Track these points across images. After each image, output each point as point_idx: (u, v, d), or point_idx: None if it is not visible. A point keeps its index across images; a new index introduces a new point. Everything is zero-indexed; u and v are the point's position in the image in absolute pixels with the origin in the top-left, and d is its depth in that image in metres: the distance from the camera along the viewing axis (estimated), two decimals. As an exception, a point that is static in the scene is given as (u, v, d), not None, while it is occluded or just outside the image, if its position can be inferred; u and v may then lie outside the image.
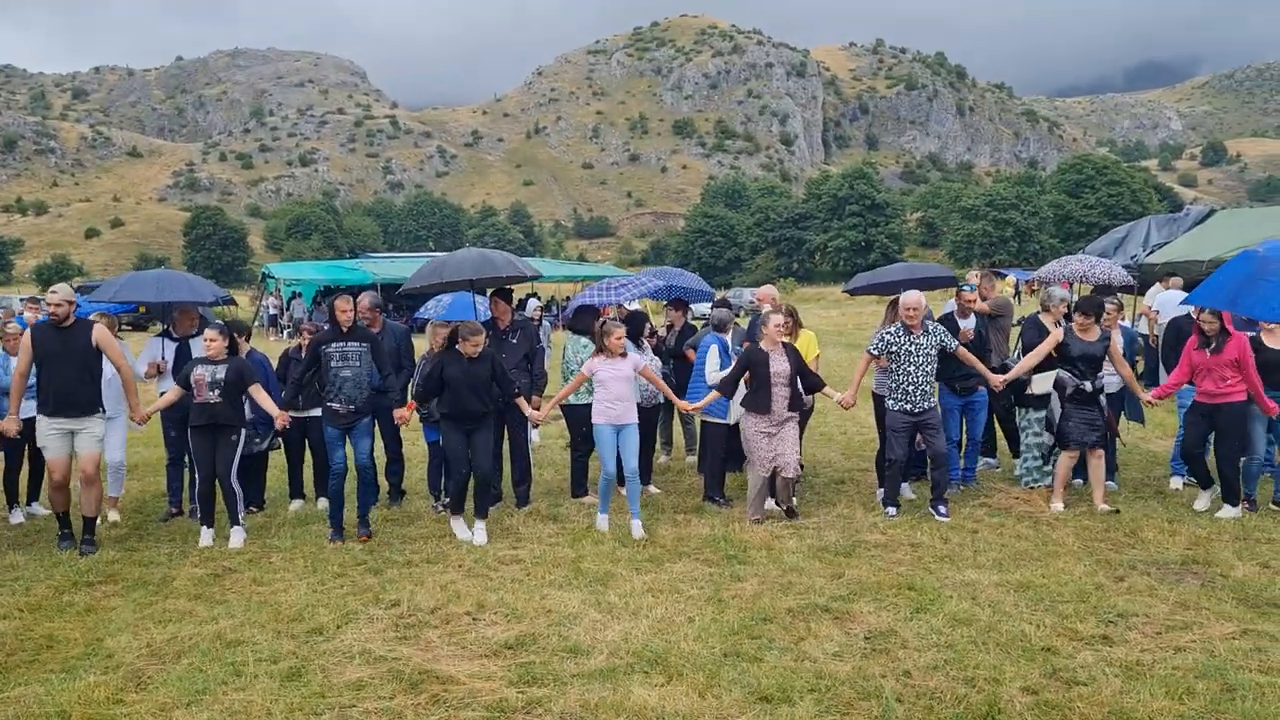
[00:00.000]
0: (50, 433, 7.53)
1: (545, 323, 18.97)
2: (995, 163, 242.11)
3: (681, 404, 8.61)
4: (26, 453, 8.61)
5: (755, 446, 7.98)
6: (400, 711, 4.58)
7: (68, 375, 7.46)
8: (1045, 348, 8.43)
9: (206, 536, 7.72)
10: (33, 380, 7.78)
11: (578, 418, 8.81)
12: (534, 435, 11.10)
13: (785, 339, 8.13)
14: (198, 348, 8.42)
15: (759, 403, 7.95)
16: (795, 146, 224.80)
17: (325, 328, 7.92)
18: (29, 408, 7.95)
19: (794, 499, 8.21)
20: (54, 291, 7.56)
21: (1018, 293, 46.88)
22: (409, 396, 8.56)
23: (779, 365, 7.93)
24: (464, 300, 10.44)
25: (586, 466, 9.15)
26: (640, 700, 4.58)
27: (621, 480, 8.04)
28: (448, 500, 8.22)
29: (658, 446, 10.23)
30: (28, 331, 7.63)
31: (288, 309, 39.68)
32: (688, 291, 11.08)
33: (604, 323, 8.02)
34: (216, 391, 7.52)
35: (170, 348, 8.80)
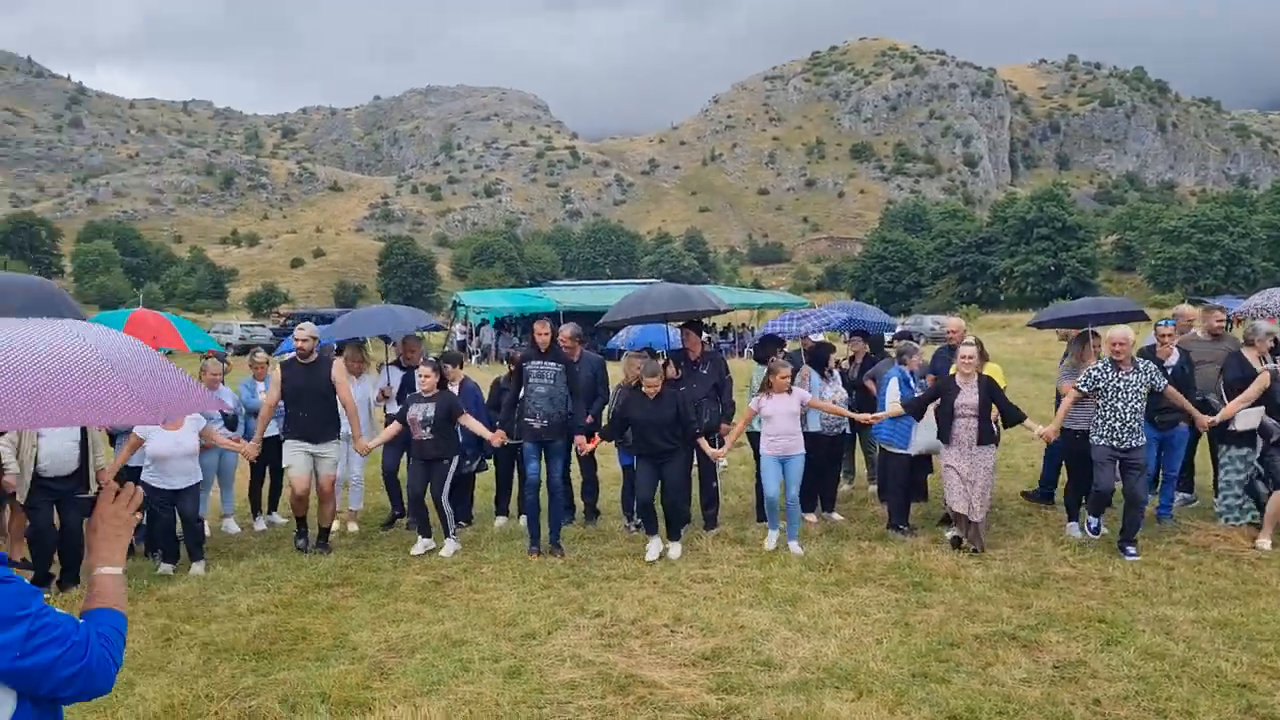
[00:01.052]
0: (295, 454, 8.51)
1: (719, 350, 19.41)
2: (1201, 181, 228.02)
3: (859, 416, 8.99)
4: (268, 468, 9.75)
5: (947, 478, 8.14)
6: (612, 710, 5.05)
7: (312, 406, 8.42)
8: (1252, 393, 8.22)
9: (420, 546, 8.48)
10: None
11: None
12: (722, 462, 11.49)
13: (973, 370, 8.22)
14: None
15: (943, 433, 8.12)
16: (979, 168, 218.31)
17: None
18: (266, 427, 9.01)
19: (981, 539, 8.24)
20: (301, 329, 8.52)
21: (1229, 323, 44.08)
22: (602, 424, 9.13)
23: (968, 397, 8.05)
24: (653, 330, 10.99)
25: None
26: (833, 712, 4.89)
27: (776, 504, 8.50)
28: (639, 521, 8.73)
29: (840, 475, 10.46)
30: (278, 367, 8.65)
31: (476, 335, 41.60)
32: (869, 324, 11.29)
33: (771, 361, 8.45)
34: (429, 429, 8.29)
35: (397, 375, 9.73)
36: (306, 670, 5.71)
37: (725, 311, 9.86)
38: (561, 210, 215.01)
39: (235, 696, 5.34)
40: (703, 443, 8.39)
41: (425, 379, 8.39)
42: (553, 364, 8.29)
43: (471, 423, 8.44)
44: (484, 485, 10.46)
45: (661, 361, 8.59)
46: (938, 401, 8.21)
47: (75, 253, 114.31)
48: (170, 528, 8.11)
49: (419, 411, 8.33)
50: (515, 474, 9.64)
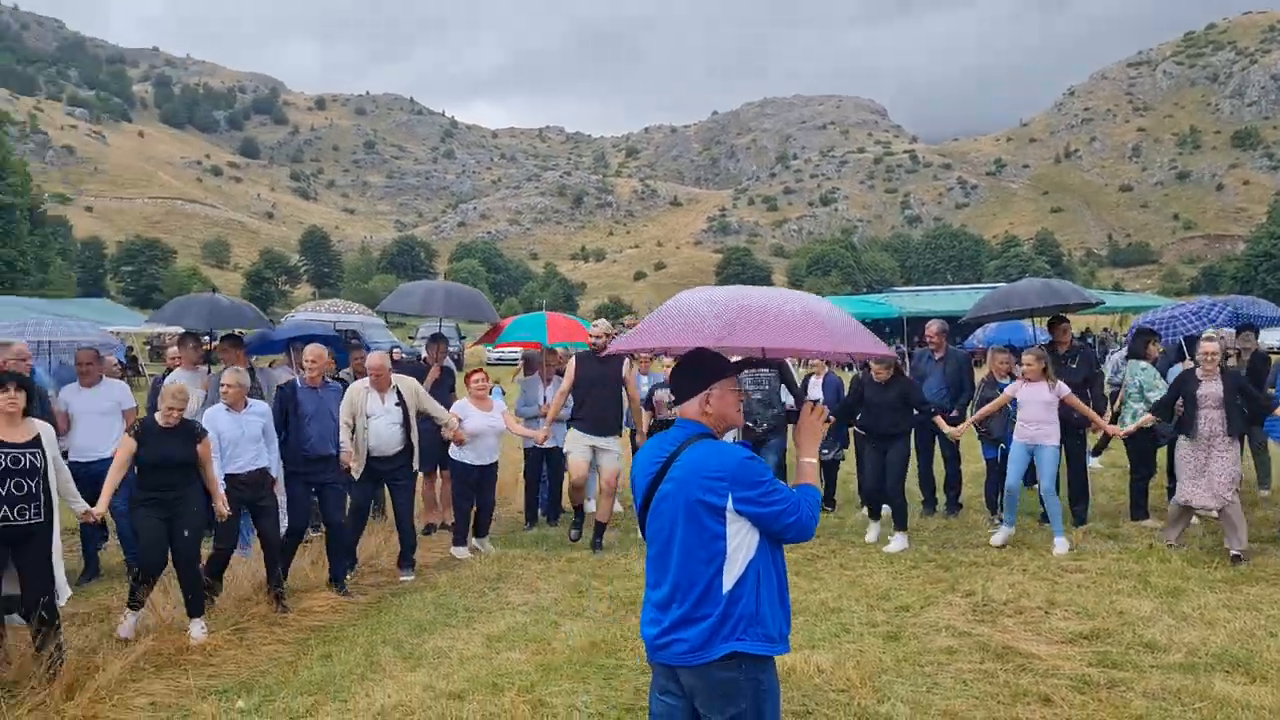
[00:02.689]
0: (577, 444, 8.65)
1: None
2: None
3: (1110, 429, 8.77)
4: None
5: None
6: (993, 673, 5.34)
7: (603, 399, 8.62)
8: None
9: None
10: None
11: (1137, 445, 8.96)
12: (1092, 461, 11.20)
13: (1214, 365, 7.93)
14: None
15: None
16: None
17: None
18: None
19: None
20: (597, 324, 9.03)
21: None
22: (967, 416, 9.28)
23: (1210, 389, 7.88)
24: (1011, 326, 10.94)
25: (1145, 490, 9.22)
26: (1223, 693, 4.90)
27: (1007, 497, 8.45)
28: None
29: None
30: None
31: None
32: (1258, 318, 10.58)
33: (1026, 351, 8.53)
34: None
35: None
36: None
37: (1096, 305, 9.68)
38: (900, 216, 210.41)
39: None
40: (939, 421, 8.77)
41: None
42: (765, 370, 8.79)
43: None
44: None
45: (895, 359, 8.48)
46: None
47: (448, 271, 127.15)
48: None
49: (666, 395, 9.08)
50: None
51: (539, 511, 9.93)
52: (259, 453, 7.07)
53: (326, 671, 5.74)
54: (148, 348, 39.64)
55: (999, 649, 5.71)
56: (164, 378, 9.04)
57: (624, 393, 8.81)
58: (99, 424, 7.88)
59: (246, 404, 7.09)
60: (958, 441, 9.33)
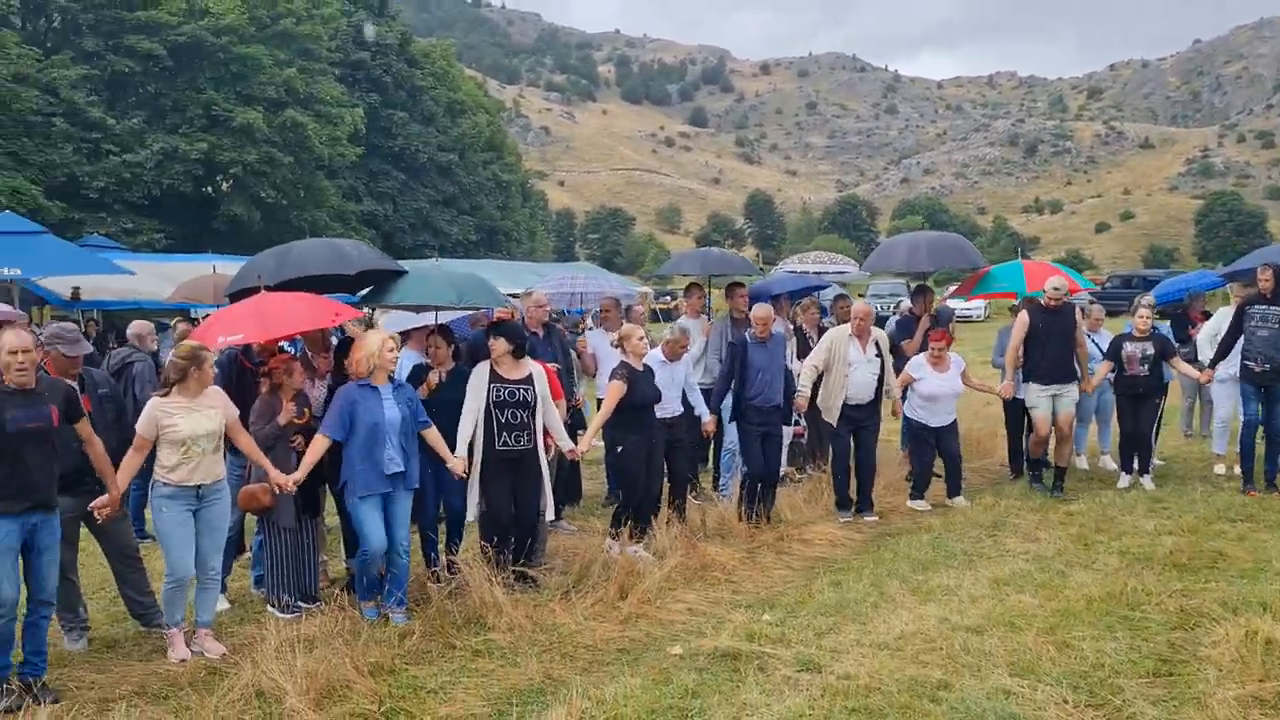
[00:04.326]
0: (1039, 397, 8.90)
1: None
2: None
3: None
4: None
5: None
6: None
7: (1057, 349, 8.82)
8: None
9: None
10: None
11: None
12: None
13: None
14: None
15: None
16: None
17: None
18: None
19: None
20: (1051, 280, 9.03)
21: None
22: None
23: None
24: None
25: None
26: None
27: None
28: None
29: None
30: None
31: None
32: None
33: None
34: (1145, 366, 8.80)
35: None
36: (1234, 585, 5.98)
37: None
38: None
39: (1170, 595, 5.82)
40: None
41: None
42: (1275, 308, 8.34)
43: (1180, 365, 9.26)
44: None
45: None
46: None
47: (890, 229, 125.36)
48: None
49: (1137, 350, 8.85)
50: None
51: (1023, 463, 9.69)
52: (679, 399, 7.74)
53: (839, 597, 6.08)
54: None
55: None
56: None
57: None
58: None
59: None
60: None
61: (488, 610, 5.80)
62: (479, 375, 6.45)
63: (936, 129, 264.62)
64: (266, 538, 6.31)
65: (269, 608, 6.29)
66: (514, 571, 6.28)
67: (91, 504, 5.31)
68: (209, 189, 35.98)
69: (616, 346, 7.53)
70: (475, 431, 6.39)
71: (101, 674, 5.28)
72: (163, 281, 18.10)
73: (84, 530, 5.75)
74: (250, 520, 6.79)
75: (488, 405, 6.38)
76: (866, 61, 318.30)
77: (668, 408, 7.51)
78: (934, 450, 8.64)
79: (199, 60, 33.82)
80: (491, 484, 6.42)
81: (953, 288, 10.91)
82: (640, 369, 7.14)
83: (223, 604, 6.42)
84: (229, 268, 10.88)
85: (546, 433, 6.71)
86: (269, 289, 6.28)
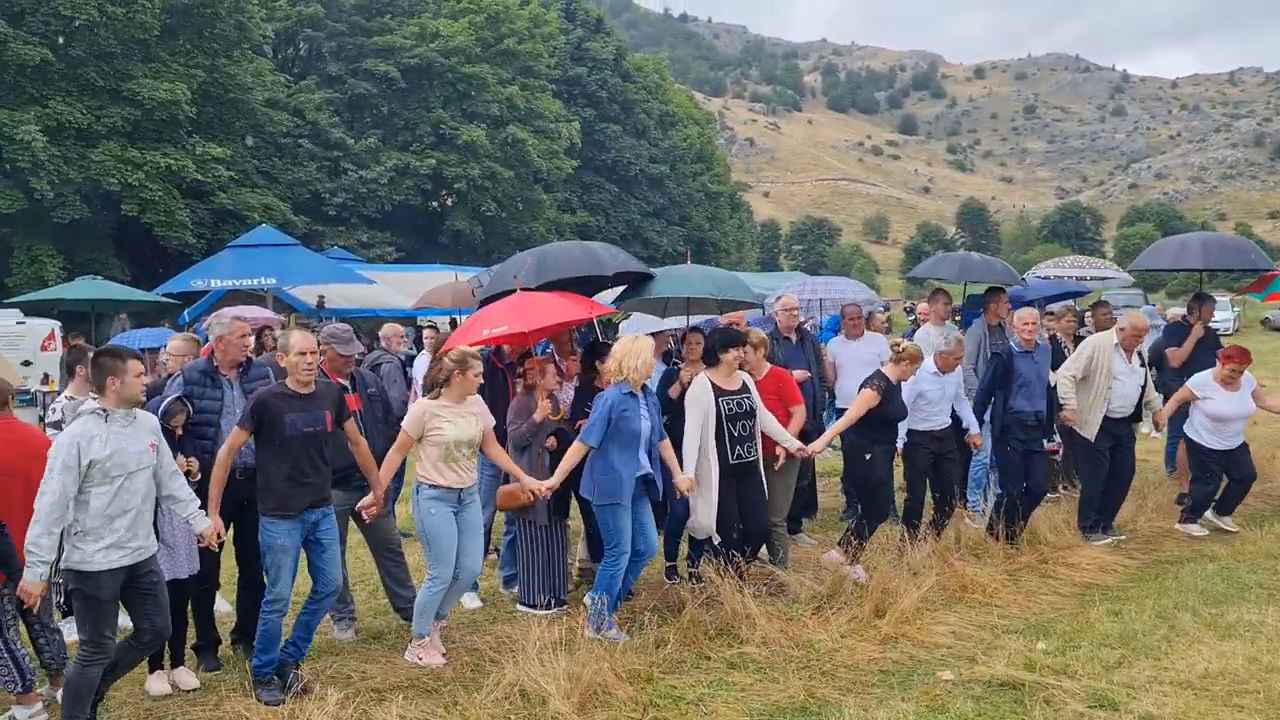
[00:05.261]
0: None
1: None
2: None
3: None
4: None
5: None
6: None
7: None
8: None
9: None
10: None
11: None
12: None
13: None
14: None
15: None
16: None
17: None
18: None
19: None
20: None
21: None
22: None
23: None
24: None
25: None
26: None
27: None
28: None
29: None
30: None
31: None
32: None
33: None
34: None
35: None
36: None
37: None
38: None
39: None
40: None
41: None
42: None
43: None
44: None
45: None
46: None
47: (1117, 237, 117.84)
48: None
49: None
50: None
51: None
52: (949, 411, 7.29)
53: (1122, 628, 5.57)
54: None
55: None
56: (912, 334, 9.56)
57: None
58: (863, 373, 8.54)
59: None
60: None
61: (740, 622, 5.63)
62: (702, 389, 6.24)
63: (1170, 130, 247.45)
64: (519, 536, 6.39)
65: (520, 606, 6.36)
66: (763, 579, 6.08)
67: (359, 504, 5.49)
68: (434, 204, 37.78)
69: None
70: (702, 445, 6.18)
71: (371, 664, 5.45)
72: (396, 291, 19.13)
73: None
74: (499, 520, 6.91)
75: (720, 419, 6.18)
76: (1091, 61, 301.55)
77: (936, 420, 7.14)
78: (1219, 475, 7.85)
79: (429, 81, 35.57)
80: (724, 496, 6.22)
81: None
82: (896, 384, 6.82)
83: (474, 602, 6.54)
84: (466, 277, 11.31)
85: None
86: (525, 290, 6.38)
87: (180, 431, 5.19)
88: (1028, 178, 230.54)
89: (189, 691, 5.14)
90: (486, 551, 7.21)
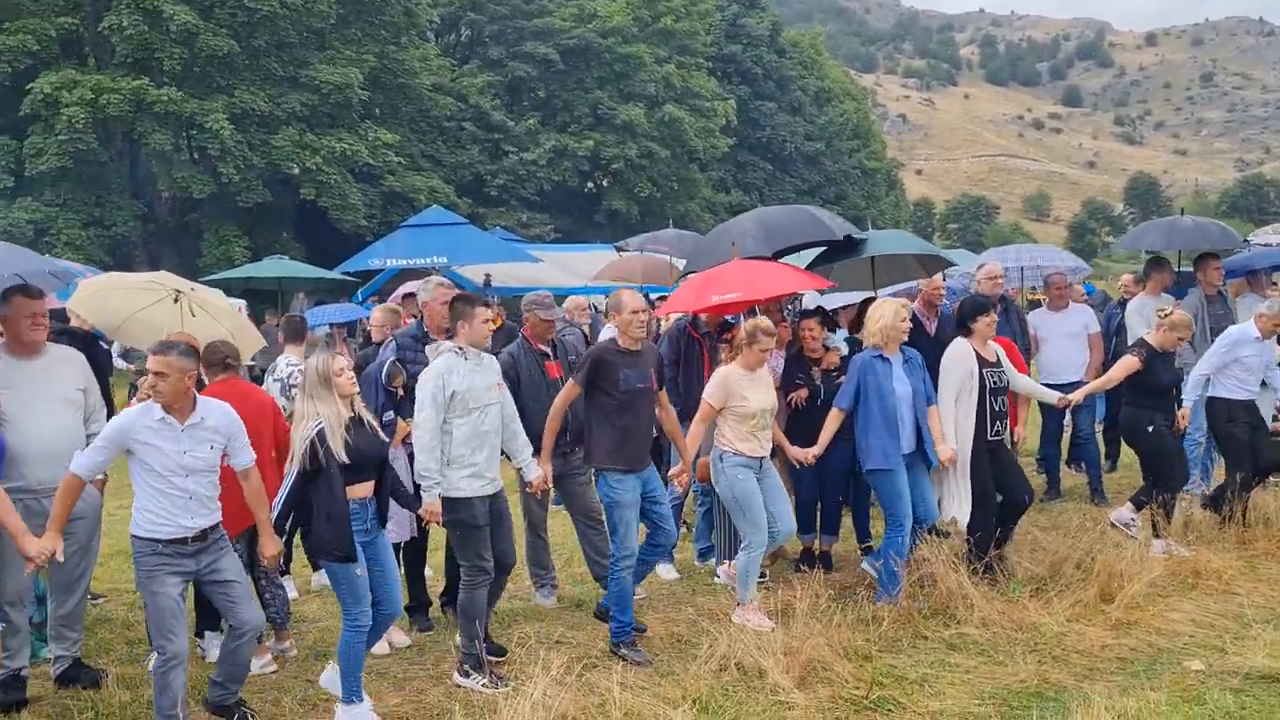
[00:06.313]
0: None
1: None
2: None
3: None
4: None
5: None
6: None
7: None
8: None
9: None
10: None
11: None
12: None
13: None
14: None
15: None
16: None
17: None
18: None
19: None
20: None
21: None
22: None
23: None
24: None
25: None
26: None
27: None
28: None
29: None
30: None
31: None
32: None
33: None
34: None
35: None
36: None
37: None
38: None
39: None
40: None
41: None
42: None
43: None
44: None
45: None
46: None
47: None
48: None
49: None
50: None
51: None
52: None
53: (1390, 623, 5.06)
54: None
55: None
56: (1119, 305, 9.01)
57: None
58: (1066, 346, 8.11)
59: None
60: None
61: (956, 602, 5.38)
62: (965, 354, 5.92)
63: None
64: (716, 509, 6.29)
65: (716, 578, 6.26)
66: (990, 560, 5.77)
67: (531, 479, 5.23)
68: (591, 185, 38.14)
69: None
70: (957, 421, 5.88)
71: (577, 630, 5.44)
72: (560, 270, 19.35)
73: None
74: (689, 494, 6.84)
75: (984, 392, 5.87)
76: (1276, 25, 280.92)
77: (1252, 389, 6.77)
78: None
79: (586, 61, 35.88)
80: (980, 473, 5.90)
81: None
82: (1160, 351, 6.44)
83: (671, 573, 6.48)
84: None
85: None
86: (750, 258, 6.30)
87: (401, 393, 5.29)
88: (1204, 150, 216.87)
89: (404, 649, 5.25)
90: (678, 525, 7.16)
